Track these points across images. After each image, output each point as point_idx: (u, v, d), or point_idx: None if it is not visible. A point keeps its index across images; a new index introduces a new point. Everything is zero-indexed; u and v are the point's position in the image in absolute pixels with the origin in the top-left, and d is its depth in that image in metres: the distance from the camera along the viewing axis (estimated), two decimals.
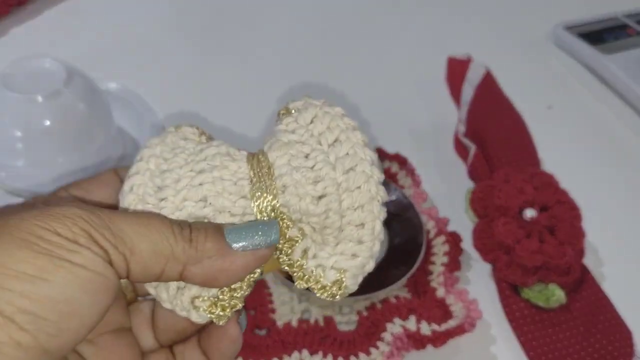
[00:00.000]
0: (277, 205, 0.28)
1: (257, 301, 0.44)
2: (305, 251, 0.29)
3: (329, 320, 0.44)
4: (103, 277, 0.23)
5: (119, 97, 0.58)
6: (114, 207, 0.29)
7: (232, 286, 0.28)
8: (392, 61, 0.68)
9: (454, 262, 0.47)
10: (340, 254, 0.29)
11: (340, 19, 0.73)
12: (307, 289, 0.29)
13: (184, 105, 0.61)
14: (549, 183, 0.48)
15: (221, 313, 0.28)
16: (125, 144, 0.54)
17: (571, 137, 0.60)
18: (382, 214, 0.29)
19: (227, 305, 0.28)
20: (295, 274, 0.29)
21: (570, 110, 0.63)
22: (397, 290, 0.45)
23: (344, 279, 0.29)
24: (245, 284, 0.28)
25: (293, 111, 0.30)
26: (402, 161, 0.54)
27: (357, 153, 0.28)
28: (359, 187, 0.28)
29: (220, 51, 0.68)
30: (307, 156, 0.28)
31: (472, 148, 0.54)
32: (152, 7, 0.73)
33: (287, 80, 0.63)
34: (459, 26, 0.72)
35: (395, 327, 0.43)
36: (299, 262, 0.29)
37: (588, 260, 0.48)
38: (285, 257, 0.29)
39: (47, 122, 0.48)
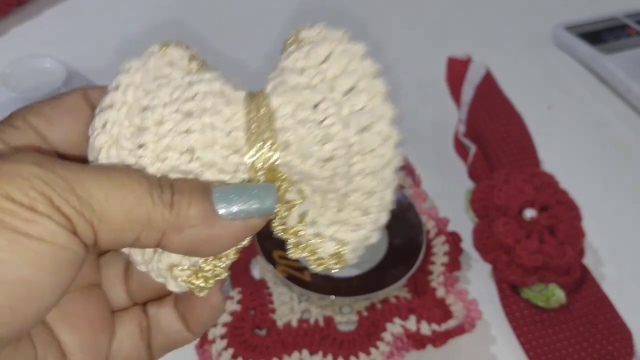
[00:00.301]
0: (276, 165, 0.24)
1: (257, 301, 0.44)
2: (302, 215, 0.25)
3: (328, 321, 0.44)
4: (66, 251, 0.20)
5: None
6: (81, 146, 0.25)
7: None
8: (391, 61, 0.68)
9: (454, 262, 0.47)
10: (342, 223, 0.25)
11: (341, 19, 0.73)
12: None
13: None
14: (549, 183, 0.48)
15: (202, 284, 0.25)
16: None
17: (571, 137, 0.60)
18: (395, 182, 0.25)
19: (209, 276, 0.25)
20: (288, 241, 0.26)
21: (570, 110, 0.63)
22: (397, 290, 0.45)
23: (343, 253, 0.26)
24: (231, 251, 0.25)
25: (303, 41, 0.25)
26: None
27: (376, 108, 0.24)
28: (372, 150, 0.24)
29: (220, 51, 0.68)
30: (316, 106, 0.24)
31: (472, 148, 0.54)
32: (152, 7, 0.73)
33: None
34: (458, 26, 0.72)
35: (395, 327, 0.43)
36: (294, 229, 0.25)
37: (588, 260, 0.48)
38: (279, 222, 0.25)
39: None
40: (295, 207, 0.25)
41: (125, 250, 0.25)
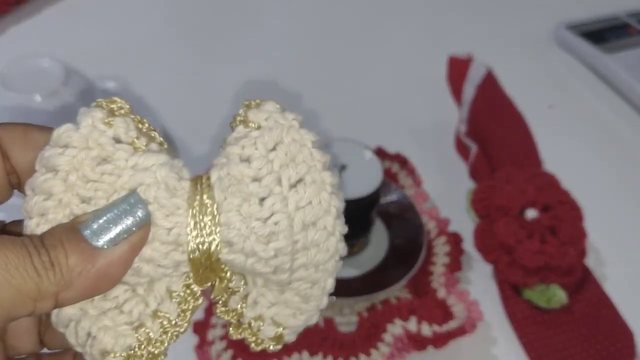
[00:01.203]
0: (219, 263, 0.23)
1: None
2: (244, 297, 0.25)
3: (329, 322, 0.43)
4: None
5: (116, 97, 0.58)
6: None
7: (151, 338, 0.24)
8: (393, 60, 0.68)
9: (455, 263, 0.47)
10: (283, 305, 0.25)
11: (341, 19, 0.73)
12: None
13: (183, 105, 0.61)
14: (551, 183, 0.48)
15: None
16: None
17: (573, 137, 0.60)
18: (338, 269, 0.25)
19: None
20: (230, 324, 0.26)
21: (572, 109, 0.63)
22: (398, 291, 0.45)
23: (284, 335, 0.26)
24: (167, 337, 0.24)
25: (252, 124, 0.24)
26: (402, 161, 0.54)
27: (322, 203, 0.24)
28: (317, 246, 0.24)
29: (220, 51, 0.68)
30: (262, 201, 0.23)
31: (474, 148, 0.54)
32: (151, 7, 0.73)
33: (288, 80, 0.63)
34: (460, 26, 0.72)
35: (395, 328, 0.43)
36: (236, 311, 0.25)
37: (590, 261, 0.48)
38: (221, 305, 0.25)
39: (45, 122, 0.47)
40: (238, 293, 0.25)
41: (61, 330, 0.24)
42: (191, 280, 0.24)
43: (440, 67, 0.63)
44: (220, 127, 0.57)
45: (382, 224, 0.48)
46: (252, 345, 0.26)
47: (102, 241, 0.22)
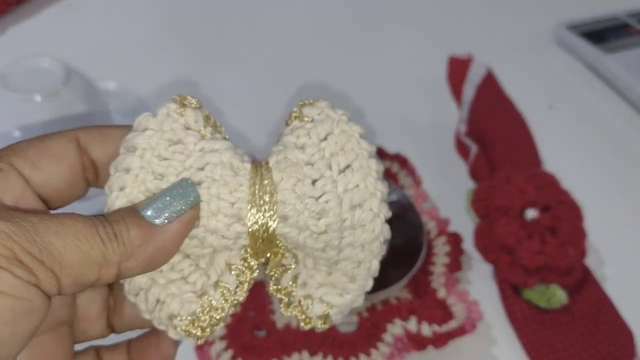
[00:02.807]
0: (274, 237, 0.26)
1: (257, 302, 0.44)
2: (295, 277, 0.28)
3: None
4: (25, 302, 0.21)
5: (117, 97, 0.58)
6: (64, 191, 0.27)
7: (213, 305, 0.27)
8: (393, 60, 0.68)
9: (455, 263, 0.47)
10: (331, 286, 0.28)
11: (342, 19, 0.73)
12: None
13: None
14: (551, 183, 0.48)
15: (199, 334, 0.27)
16: None
17: (573, 137, 0.60)
18: (382, 252, 0.28)
19: (205, 325, 0.27)
20: (282, 301, 0.28)
21: (572, 109, 0.63)
22: (398, 291, 0.45)
23: (330, 314, 0.28)
24: (227, 304, 0.27)
25: (306, 118, 0.27)
26: (402, 161, 0.54)
27: (368, 187, 0.26)
28: (363, 226, 0.26)
29: (220, 51, 0.68)
30: (314, 182, 0.26)
31: (473, 148, 0.54)
32: (151, 7, 0.73)
33: (288, 81, 0.63)
34: (460, 26, 0.72)
35: (395, 328, 0.43)
36: (287, 289, 0.28)
37: (590, 261, 0.48)
38: (274, 283, 0.28)
39: (46, 122, 0.48)
40: (290, 271, 0.28)
41: (132, 298, 0.27)
42: (248, 254, 0.27)
43: (441, 67, 0.63)
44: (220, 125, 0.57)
45: None
46: (302, 324, 0.28)
47: (158, 220, 0.24)
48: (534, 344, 0.44)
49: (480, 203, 0.49)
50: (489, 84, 0.59)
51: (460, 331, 0.43)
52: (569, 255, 0.45)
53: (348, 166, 0.26)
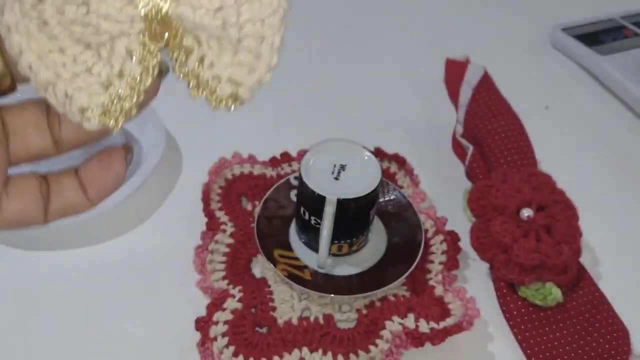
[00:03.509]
0: (169, 15, 0.26)
1: (258, 299, 0.45)
2: (201, 59, 0.28)
3: (328, 318, 0.44)
4: None
5: None
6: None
7: (121, 94, 0.27)
8: (390, 62, 0.68)
9: (452, 261, 0.48)
10: (237, 65, 0.28)
11: (340, 19, 0.73)
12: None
13: (184, 105, 0.61)
14: (546, 183, 0.49)
15: (113, 123, 0.27)
16: (126, 143, 0.54)
17: (568, 137, 0.60)
18: (284, 27, 0.28)
19: (118, 114, 0.27)
20: (190, 84, 0.28)
21: (567, 110, 0.63)
22: (396, 289, 0.45)
23: (240, 92, 0.28)
24: (135, 92, 0.27)
25: None
26: (400, 161, 0.55)
27: None
28: (260, 0, 0.26)
29: None
30: None
31: (470, 148, 0.54)
32: None
33: (287, 82, 0.63)
34: (457, 28, 0.73)
35: (394, 325, 0.43)
36: (194, 72, 0.28)
37: (585, 259, 0.48)
38: (179, 66, 0.28)
39: None
40: (194, 52, 0.27)
41: (42, 93, 0.27)
42: (146, 38, 0.27)
43: (438, 68, 0.63)
44: (220, 126, 0.58)
45: (381, 223, 0.49)
46: (212, 104, 0.28)
47: None
48: (530, 341, 0.44)
49: (476, 202, 0.49)
50: (486, 85, 0.59)
51: (457, 328, 0.43)
52: (564, 253, 0.45)
53: None
